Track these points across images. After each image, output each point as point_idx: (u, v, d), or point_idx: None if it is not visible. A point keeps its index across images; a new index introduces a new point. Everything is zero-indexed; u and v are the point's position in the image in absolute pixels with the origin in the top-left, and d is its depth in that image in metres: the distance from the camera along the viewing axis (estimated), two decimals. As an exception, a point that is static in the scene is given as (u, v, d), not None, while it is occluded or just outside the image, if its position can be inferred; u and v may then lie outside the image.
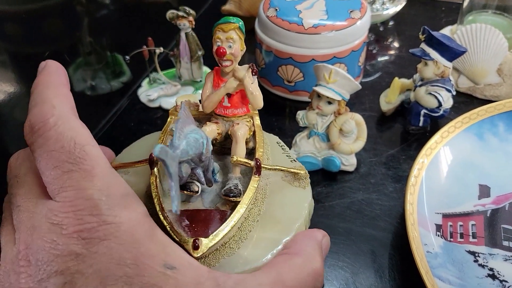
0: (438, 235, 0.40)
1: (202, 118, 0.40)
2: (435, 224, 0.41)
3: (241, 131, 0.35)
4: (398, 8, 0.73)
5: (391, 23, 0.76)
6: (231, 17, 0.34)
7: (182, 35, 0.56)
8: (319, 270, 0.29)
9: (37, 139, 0.27)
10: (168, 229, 0.30)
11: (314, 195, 0.47)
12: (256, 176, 0.33)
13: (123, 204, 0.25)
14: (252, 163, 0.34)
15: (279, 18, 0.55)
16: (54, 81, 0.30)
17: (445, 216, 0.42)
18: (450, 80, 0.51)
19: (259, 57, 0.60)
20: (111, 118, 0.59)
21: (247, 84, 0.35)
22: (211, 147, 0.32)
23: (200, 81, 0.60)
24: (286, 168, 0.36)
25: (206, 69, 0.63)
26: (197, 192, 0.33)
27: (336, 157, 0.48)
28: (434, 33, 0.49)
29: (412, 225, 0.39)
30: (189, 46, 0.57)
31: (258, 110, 0.38)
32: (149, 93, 0.59)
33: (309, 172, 0.48)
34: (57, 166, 0.26)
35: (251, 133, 0.37)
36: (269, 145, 0.40)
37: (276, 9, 0.56)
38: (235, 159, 0.34)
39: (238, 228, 0.32)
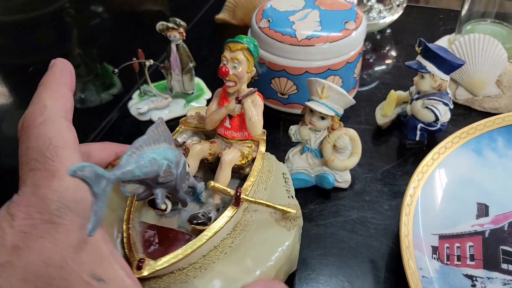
0: (434, 258, 0.38)
1: (209, 133, 0.38)
2: (431, 246, 0.39)
3: (229, 157, 0.34)
4: (395, 16, 0.72)
5: (388, 31, 0.75)
6: (243, 36, 0.33)
7: (173, 47, 0.55)
8: None
9: (22, 136, 0.28)
10: (125, 241, 0.30)
11: (307, 213, 0.45)
12: (234, 207, 0.32)
13: (74, 208, 0.26)
14: (232, 192, 0.32)
15: (272, 30, 0.53)
16: (55, 82, 0.31)
17: (442, 237, 0.40)
18: (448, 93, 0.50)
19: (252, 69, 0.59)
20: (101, 131, 0.58)
21: (247, 108, 0.33)
22: (180, 170, 0.30)
23: (192, 93, 0.59)
24: (272, 205, 0.33)
25: (198, 81, 0.61)
26: (165, 210, 0.32)
27: (330, 174, 0.47)
28: (431, 46, 0.47)
29: (407, 248, 0.37)
30: (180, 58, 0.55)
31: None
32: (139, 106, 0.58)
33: (301, 189, 0.47)
34: (27, 163, 0.27)
35: (248, 159, 0.36)
36: (274, 175, 0.38)
37: (269, 20, 0.55)
38: (212, 184, 0.32)
39: (204, 256, 0.31)
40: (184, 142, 0.37)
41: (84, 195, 0.26)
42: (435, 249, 0.39)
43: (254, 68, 0.33)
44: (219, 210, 0.33)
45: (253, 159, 0.36)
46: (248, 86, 0.36)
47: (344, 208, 0.46)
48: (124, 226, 0.31)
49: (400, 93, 0.54)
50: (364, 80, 0.64)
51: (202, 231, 0.31)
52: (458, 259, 0.39)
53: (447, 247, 0.39)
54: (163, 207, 0.32)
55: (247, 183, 0.33)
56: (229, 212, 0.31)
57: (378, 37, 0.74)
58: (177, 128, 0.39)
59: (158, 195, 0.29)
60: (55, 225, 0.25)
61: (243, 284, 0.30)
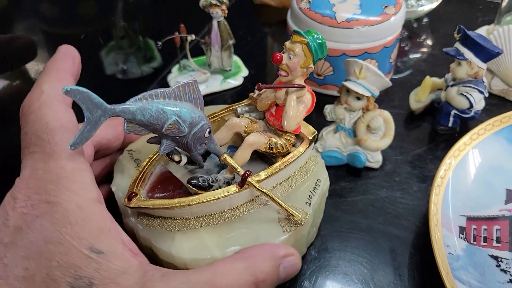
0: (461, 238, 0.39)
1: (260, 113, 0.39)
2: (459, 226, 0.40)
3: (251, 138, 0.34)
4: (434, 5, 0.72)
5: (425, 20, 0.75)
6: (312, 31, 0.32)
7: (214, 23, 0.57)
8: (262, 281, 0.28)
9: (21, 121, 0.30)
10: (137, 173, 0.33)
11: (338, 189, 0.47)
12: (238, 186, 0.32)
13: (70, 187, 0.27)
14: (241, 172, 0.32)
15: (312, 11, 0.54)
16: (55, 67, 0.32)
17: (470, 219, 0.41)
18: (483, 82, 0.50)
19: (290, 49, 0.60)
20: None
21: (288, 101, 0.33)
22: (195, 130, 0.30)
23: (230, 70, 0.61)
24: (279, 201, 0.32)
25: (236, 59, 0.63)
26: (178, 162, 0.33)
27: (362, 153, 0.48)
28: (470, 33, 0.48)
29: (435, 225, 0.38)
30: (220, 35, 0.57)
31: None
32: (179, 79, 0.60)
33: (333, 167, 0.48)
34: (26, 147, 0.28)
35: (279, 150, 0.35)
36: (309, 176, 0.37)
37: (310, 1, 0.56)
38: (224, 157, 0.33)
39: (197, 217, 0.32)
40: (242, 115, 0.38)
41: (81, 174, 0.28)
42: (462, 229, 0.40)
43: (311, 66, 0.32)
44: (229, 184, 0.33)
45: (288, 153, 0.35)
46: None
47: (374, 187, 0.47)
48: (145, 162, 0.34)
49: (435, 79, 0.55)
50: (399, 68, 0.65)
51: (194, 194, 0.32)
52: (485, 241, 0.40)
53: (474, 229, 0.40)
54: (176, 158, 0.33)
55: (267, 172, 0.33)
56: (231, 189, 0.32)
57: (415, 25, 0.74)
58: (244, 100, 0.39)
59: (162, 144, 0.30)
60: (52, 205, 0.26)
61: (212, 256, 0.31)
